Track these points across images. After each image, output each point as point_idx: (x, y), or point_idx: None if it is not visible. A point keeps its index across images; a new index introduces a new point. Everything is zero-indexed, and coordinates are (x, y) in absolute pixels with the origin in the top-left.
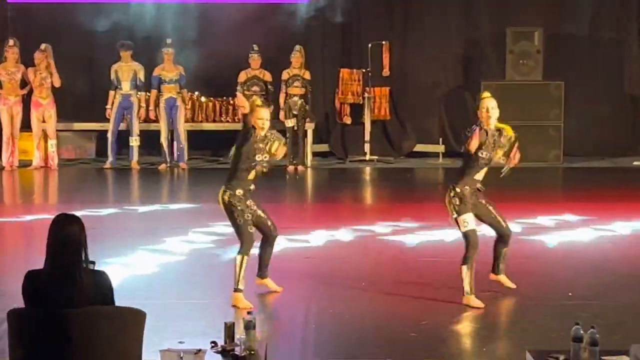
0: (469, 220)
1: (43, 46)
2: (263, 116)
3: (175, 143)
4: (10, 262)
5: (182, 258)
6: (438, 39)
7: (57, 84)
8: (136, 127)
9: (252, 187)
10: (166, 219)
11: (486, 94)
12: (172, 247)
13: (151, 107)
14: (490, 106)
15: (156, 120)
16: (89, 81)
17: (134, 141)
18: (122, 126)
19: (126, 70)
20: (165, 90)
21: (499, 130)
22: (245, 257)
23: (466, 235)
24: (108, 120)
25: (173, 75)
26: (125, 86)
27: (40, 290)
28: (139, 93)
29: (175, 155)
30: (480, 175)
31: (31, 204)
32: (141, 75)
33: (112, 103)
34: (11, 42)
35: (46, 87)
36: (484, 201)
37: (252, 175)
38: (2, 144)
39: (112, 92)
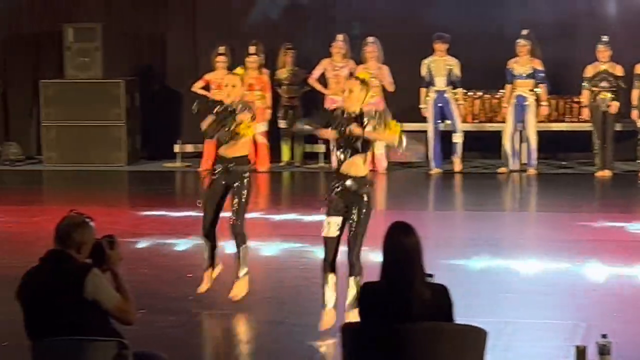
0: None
1: (371, 39)
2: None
3: (524, 146)
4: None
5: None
6: None
7: (391, 88)
8: (458, 124)
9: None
10: (492, 228)
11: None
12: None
13: (505, 105)
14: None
15: (499, 120)
16: (418, 77)
17: (458, 138)
18: (442, 126)
19: (441, 66)
20: (516, 86)
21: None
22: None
23: None
24: (440, 121)
25: (525, 70)
26: (440, 82)
27: (377, 304)
28: (455, 89)
29: (526, 159)
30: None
31: None
32: (457, 71)
33: (425, 102)
34: (339, 36)
35: (374, 85)
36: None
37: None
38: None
39: (423, 90)
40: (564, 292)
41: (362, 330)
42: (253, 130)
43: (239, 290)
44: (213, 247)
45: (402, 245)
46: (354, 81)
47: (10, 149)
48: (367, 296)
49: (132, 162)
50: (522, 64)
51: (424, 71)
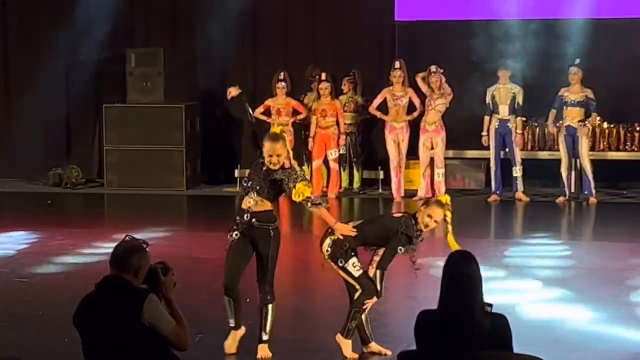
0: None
1: (434, 68)
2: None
3: (581, 175)
4: (399, 300)
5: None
6: None
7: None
8: (517, 155)
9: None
10: (550, 257)
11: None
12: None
13: (550, 129)
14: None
15: (550, 148)
16: (479, 105)
17: (517, 171)
18: (502, 154)
19: (504, 93)
20: (566, 115)
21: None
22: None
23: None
24: (499, 149)
25: (577, 97)
26: (503, 110)
27: (435, 332)
28: (517, 118)
29: (583, 187)
30: None
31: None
32: (520, 99)
33: (488, 129)
34: (397, 64)
35: (436, 111)
36: None
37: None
38: (391, 174)
39: (487, 118)
40: (623, 323)
41: (419, 358)
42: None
43: (265, 353)
44: (237, 307)
45: (463, 274)
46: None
47: (72, 172)
48: (424, 324)
49: (193, 187)
50: (574, 92)
51: (488, 99)
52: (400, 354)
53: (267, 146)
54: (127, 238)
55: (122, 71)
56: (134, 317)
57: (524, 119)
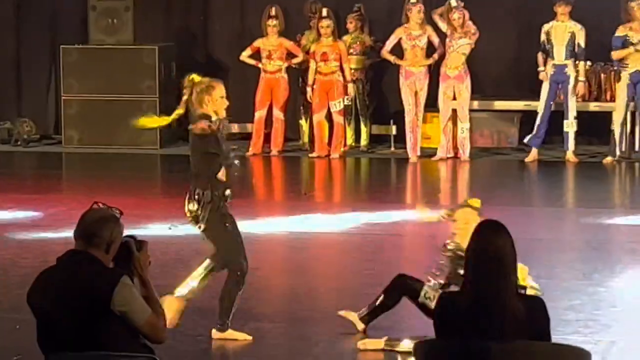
0: None
1: (454, 1)
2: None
3: (633, 130)
4: None
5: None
6: None
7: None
8: (572, 108)
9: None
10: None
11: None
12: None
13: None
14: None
15: (596, 99)
16: (516, 47)
17: (569, 125)
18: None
19: (561, 32)
20: (634, 58)
21: None
22: None
23: None
24: (535, 99)
25: None
26: (559, 53)
27: (459, 317)
28: (577, 62)
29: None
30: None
31: (434, 205)
32: (581, 39)
33: (545, 65)
34: None
35: (458, 54)
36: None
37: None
38: (405, 129)
39: (541, 53)
40: None
41: (441, 350)
42: None
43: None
44: None
45: (492, 249)
46: (469, 211)
47: (23, 126)
48: (446, 309)
49: (167, 144)
50: (638, 29)
51: (542, 37)
52: (417, 345)
53: (221, 89)
54: (96, 205)
55: (82, 5)
56: (101, 302)
57: (589, 63)
